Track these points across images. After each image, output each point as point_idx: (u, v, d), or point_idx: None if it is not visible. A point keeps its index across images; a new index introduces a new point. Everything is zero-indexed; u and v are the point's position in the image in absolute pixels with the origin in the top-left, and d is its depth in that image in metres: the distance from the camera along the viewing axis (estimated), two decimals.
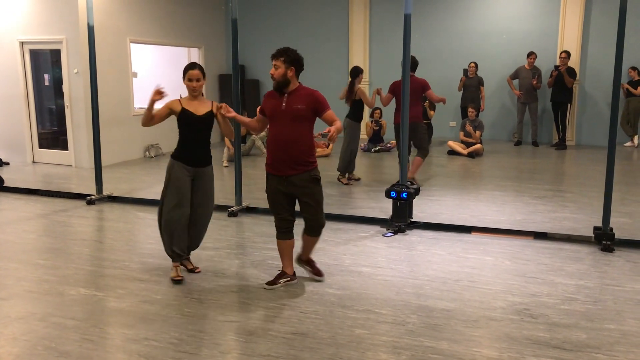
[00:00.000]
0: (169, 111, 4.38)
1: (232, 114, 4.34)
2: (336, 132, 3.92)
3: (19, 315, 3.85)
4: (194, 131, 4.38)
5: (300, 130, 4.07)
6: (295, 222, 4.32)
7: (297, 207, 4.26)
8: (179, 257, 4.49)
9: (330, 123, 4.04)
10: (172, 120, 4.47)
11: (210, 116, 4.40)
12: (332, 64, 12.50)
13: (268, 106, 4.18)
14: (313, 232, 4.27)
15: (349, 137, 7.86)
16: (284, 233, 4.30)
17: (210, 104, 4.45)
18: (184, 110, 4.33)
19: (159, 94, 4.27)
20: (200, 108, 4.38)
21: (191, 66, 4.38)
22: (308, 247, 4.42)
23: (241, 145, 6.60)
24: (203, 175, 4.45)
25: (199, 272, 4.60)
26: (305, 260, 4.49)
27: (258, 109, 4.47)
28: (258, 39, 12.69)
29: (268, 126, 4.29)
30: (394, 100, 7.58)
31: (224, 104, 4.34)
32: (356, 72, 7.80)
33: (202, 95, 4.51)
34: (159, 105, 4.35)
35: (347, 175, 7.94)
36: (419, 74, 7.75)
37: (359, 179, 8.13)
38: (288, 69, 4.04)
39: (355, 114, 7.94)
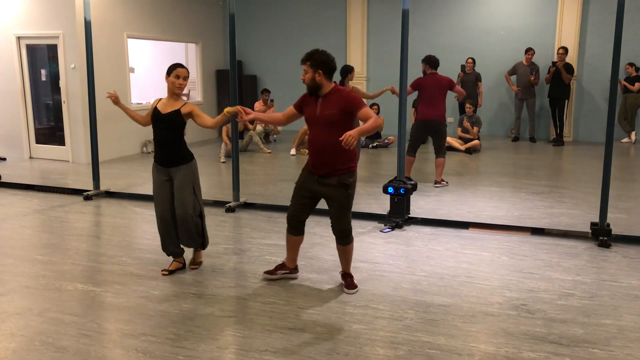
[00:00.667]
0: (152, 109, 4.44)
1: (251, 115, 4.17)
2: (354, 136, 3.64)
3: (16, 310, 3.85)
4: (158, 130, 4.40)
5: (335, 135, 3.82)
6: (306, 221, 4.28)
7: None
8: (172, 255, 4.59)
9: (365, 120, 3.86)
10: None
11: (174, 115, 4.32)
12: None
13: (306, 110, 4.10)
14: (338, 238, 4.16)
15: None
16: (293, 228, 4.26)
17: (180, 104, 4.37)
18: (154, 109, 4.39)
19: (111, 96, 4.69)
20: (168, 107, 4.36)
21: (180, 65, 4.37)
22: (340, 258, 4.26)
23: (239, 141, 6.59)
24: (176, 175, 4.41)
25: (192, 269, 4.60)
26: (342, 274, 4.28)
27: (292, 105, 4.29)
28: (256, 34, 12.66)
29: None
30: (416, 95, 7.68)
31: (238, 108, 4.18)
32: (345, 71, 7.68)
33: (185, 96, 4.51)
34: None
35: None
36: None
37: None
38: (315, 72, 3.93)
39: None
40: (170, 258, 4.61)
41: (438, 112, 7.33)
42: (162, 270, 4.52)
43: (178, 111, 4.34)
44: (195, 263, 4.64)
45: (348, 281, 4.21)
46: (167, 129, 4.38)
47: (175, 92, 4.35)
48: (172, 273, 4.50)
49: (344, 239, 4.15)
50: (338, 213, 4.08)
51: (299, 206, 4.19)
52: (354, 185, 4.08)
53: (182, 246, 4.59)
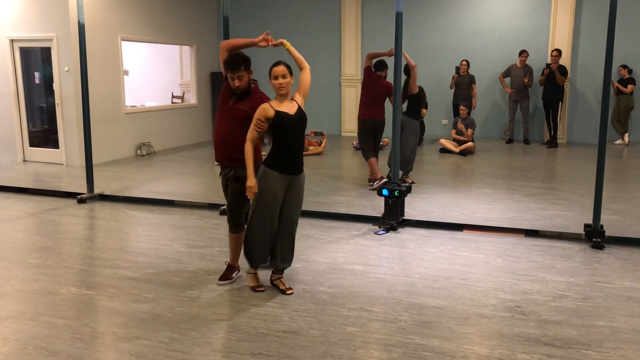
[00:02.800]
0: (265, 119, 3.96)
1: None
2: None
3: (9, 314, 3.83)
4: (291, 134, 4.00)
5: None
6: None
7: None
8: (258, 267, 4.26)
9: None
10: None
11: (304, 114, 4.07)
12: (324, 62, 12.50)
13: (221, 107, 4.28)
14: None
15: (405, 135, 7.43)
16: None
17: (293, 101, 4.08)
18: (277, 112, 3.94)
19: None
20: (291, 108, 4.02)
21: (275, 63, 4.02)
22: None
23: None
24: (296, 182, 4.07)
25: (290, 293, 4.16)
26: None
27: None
28: (249, 36, 12.63)
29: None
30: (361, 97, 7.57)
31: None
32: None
33: (290, 95, 4.10)
34: None
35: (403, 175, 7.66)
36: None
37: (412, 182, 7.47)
38: (249, 74, 4.16)
39: (411, 110, 7.60)
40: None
41: (380, 112, 7.39)
42: (253, 287, 4.23)
43: (302, 110, 4.08)
44: (287, 288, 4.23)
45: (225, 272, 4.39)
46: (302, 130, 4.11)
47: (279, 93, 4.00)
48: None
49: (230, 226, 4.31)
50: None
51: None
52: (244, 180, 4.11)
53: (276, 265, 4.22)
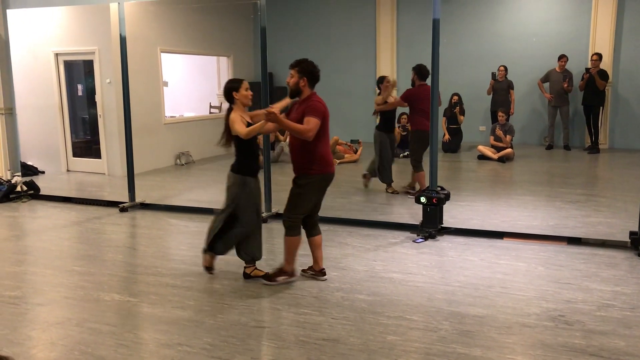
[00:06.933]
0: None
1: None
2: (273, 115, 4.07)
3: (56, 320, 3.94)
4: (255, 140, 4.51)
5: (298, 139, 4.26)
6: (312, 221, 4.61)
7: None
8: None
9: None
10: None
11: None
12: (359, 69, 12.51)
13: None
14: None
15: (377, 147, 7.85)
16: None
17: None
18: (249, 123, 4.38)
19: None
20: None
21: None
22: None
23: (270, 152, 6.65)
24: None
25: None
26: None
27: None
28: (286, 46, 12.75)
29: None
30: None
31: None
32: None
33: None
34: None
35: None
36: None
37: (394, 192, 7.75)
38: (301, 79, 4.28)
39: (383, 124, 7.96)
40: (203, 270, 4.67)
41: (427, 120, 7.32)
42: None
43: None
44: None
45: (275, 272, 4.54)
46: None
47: (249, 104, 4.47)
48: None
49: (285, 229, 4.45)
50: (286, 204, 4.43)
51: None
52: (304, 187, 4.32)
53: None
